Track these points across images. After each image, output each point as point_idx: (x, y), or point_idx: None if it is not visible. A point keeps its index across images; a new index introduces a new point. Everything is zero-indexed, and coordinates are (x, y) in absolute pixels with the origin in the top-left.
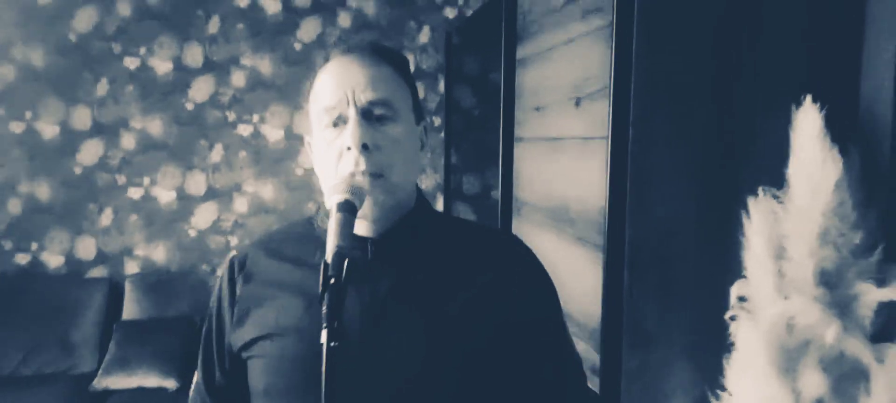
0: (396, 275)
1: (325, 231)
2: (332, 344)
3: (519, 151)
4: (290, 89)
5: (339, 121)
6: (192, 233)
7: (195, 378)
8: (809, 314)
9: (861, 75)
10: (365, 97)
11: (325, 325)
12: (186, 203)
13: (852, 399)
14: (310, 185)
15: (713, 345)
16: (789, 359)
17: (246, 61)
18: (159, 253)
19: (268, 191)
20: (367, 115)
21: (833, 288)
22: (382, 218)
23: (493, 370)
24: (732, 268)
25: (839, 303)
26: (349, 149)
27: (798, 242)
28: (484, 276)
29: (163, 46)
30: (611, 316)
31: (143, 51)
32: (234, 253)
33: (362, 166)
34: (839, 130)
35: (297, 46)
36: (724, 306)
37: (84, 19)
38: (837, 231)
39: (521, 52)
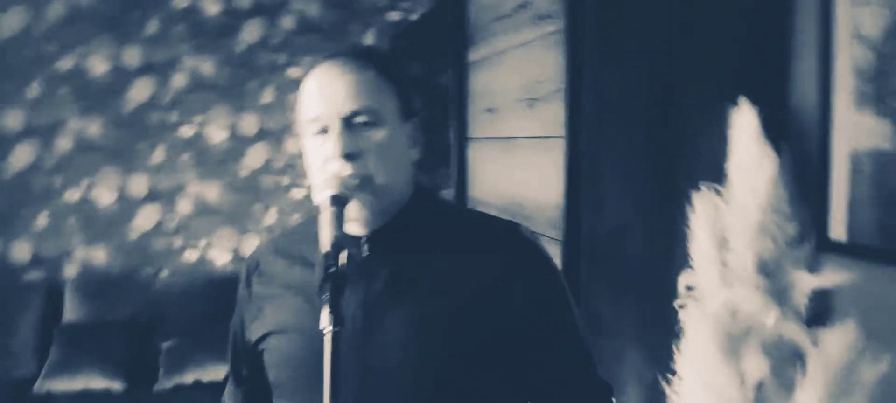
0: (392, 270)
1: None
2: (336, 330)
3: (471, 152)
4: (232, 91)
5: (324, 131)
6: (134, 236)
7: (226, 372)
8: (751, 301)
9: (790, 79)
10: (347, 107)
11: (327, 312)
12: (127, 205)
13: (790, 379)
14: (255, 186)
15: (663, 333)
16: (734, 344)
17: (188, 62)
18: (100, 256)
19: (212, 192)
20: (350, 124)
21: (771, 276)
22: (373, 219)
23: (495, 361)
24: (680, 260)
25: (777, 291)
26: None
27: (739, 234)
28: (484, 267)
29: (101, 47)
30: None
31: (80, 50)
32: (249, 256)
33: (348, 172)
34: (772, 130)
35: (240, 48)
36: (673, 295)
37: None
38: (774, 223)
39: (471, 56)
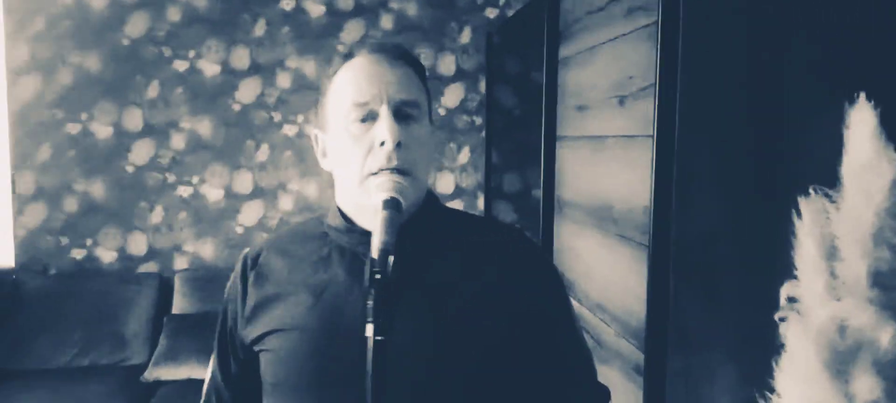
0: (404, 269)
1: (335, 228)
2: (379, 339)
3: (560, 150)
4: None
5: (369, 117)
6: (239, 231)
7: (210, 367)
8: (862, 316)
9: None
10: (398, 96)
11: (370, 320)
12: (233, 201)
13: None
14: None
15: (761, 347)
16: (841, 362)
17: (291, 63)
18: (207, 250)
19: (312, 189)
20: (398, 114)
21: (887, 289)
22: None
23: (501, 362)
24: (781, 269)
25: (893, 306)
26: (382, 144)
27: (851, 243)
28: (491, 269)
29: (211, 50)
30: (656, 316)
31: (191, 54)
32: (247, 250)
33: (394, 162)
34: (893, 128)
35: (341, 48)
36: (773, 307)
37: (138, 24)
38: (892, 231)
39: (563, 52)
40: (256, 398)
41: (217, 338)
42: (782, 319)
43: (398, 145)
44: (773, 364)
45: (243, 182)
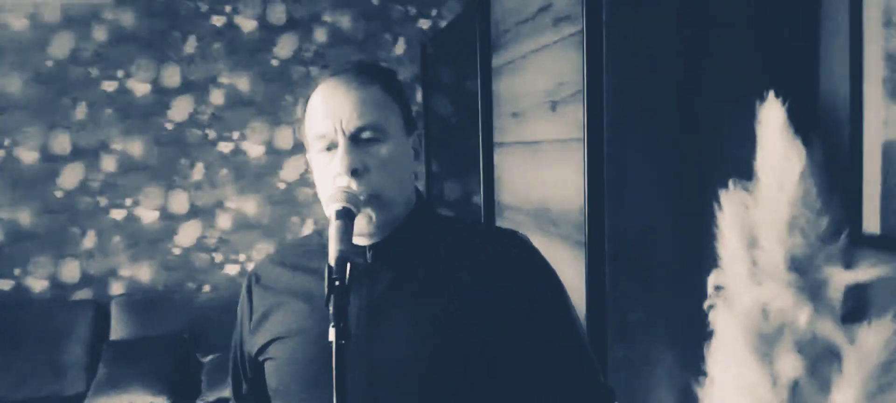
0: (394, 276)
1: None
2: (341, 342)
3: (498, 157)
4: (269, 105)
5: (332, 146)
6: (177, 252)
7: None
8: (783, 299)
9: (819, 70)
10: (352, 124)
11: (332, 324)
12: (170, 222)
13: (826, 379)
14: (293, 199)
15: (694, 334)
16: (766, 344)
17: (224, 79)
18: (144, 273)
19: (250, 206)
20: (356, 140)
21: (803, 273)
22: (379, 231)
23: (500, 365)
24: (708, 259)
25: (810, 288)
26: (339, 174)
27: (768, 231)
28: (484, 270)
29: (141, 68)
30: (595, 309)
31: (120, 73)
32: (252, 267)
33: (354, 187)
34: (801, 123)
35: (275, 62)
36: (703, 296)
37: (63, 45)
38: (805, 218)
39: (496, 61)
40: None
41: (231, 360)
42: (711, 307)
43: (354, 172)
44: (705, 350)
45: (179, 202)
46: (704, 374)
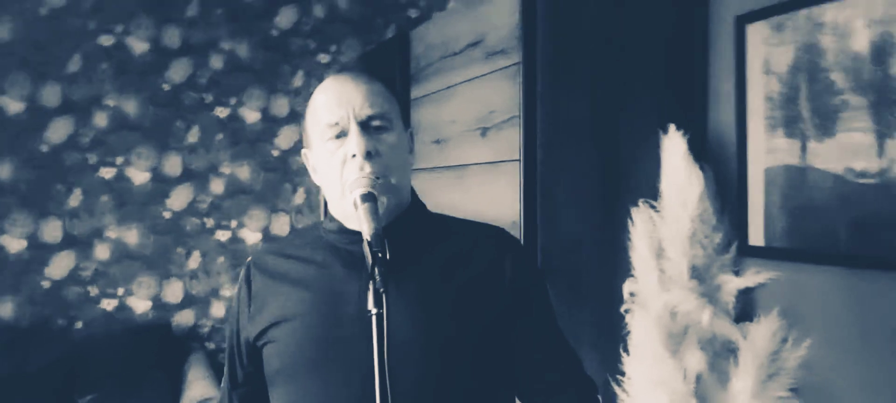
0: (392, 263)
1: (329, 231)
2: (381, 312)
3: (417, 183)
4: (157, 130)
5: (342, 134)
6: (46, 285)
7: (224, 377)
8: (687, 302)
9: (709, 107)
10: (364, 112)
11: (381, 288)
12: (39, 252)
13: (725, 371)
14: (178, 229)
15: (612, 337)
16: (675, 342)
17: (109, 101)
18: (6, 309)
19: (132, 236)
20: (366, 127)
21: (702, 280)
22: (384, 216)
23: (487, 353)
24: (623, 269)
25: (708, 293)
26: (353, 156)
27: (673, 244)
28: (476, 257)
29: (14, 85)
30: None
31: None
32: (250, 258)
33: (367, 170)
34: (698, 152)
35: (166, 87)
36: (620, 301)
37: None
38: (703, 233)
39: (415, 92)
40: (263, 401)
41: (227, 350)
42: (627, 311)
43: (368, 155)
44: (622, 350)
45: (52, 229)
46: (622, 373)
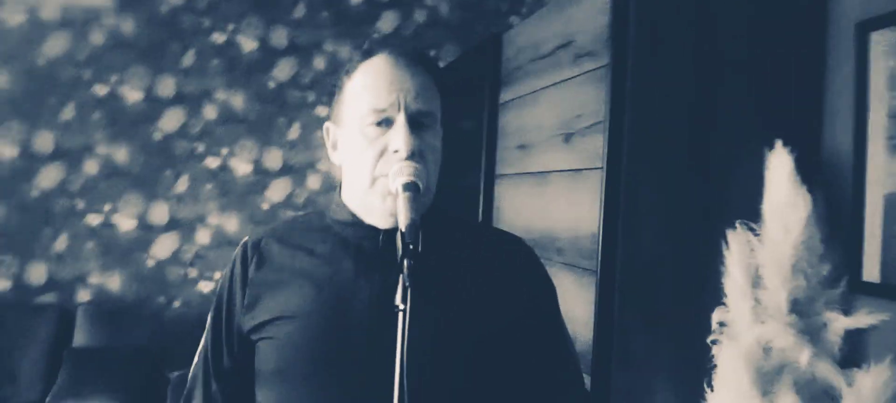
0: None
1: (339, 221)
2: (404, 308)
3: (499, 188)
4: (259, 125)
5: (385, 123)
6: (151, 264)
7: (195, 360)
8: (784, 339)
9: (823, 123)
10: (415, 106)
11: (408, 284)
12: (147, 232)
13: None
14: (275, 220)
15: (695, 368)
16: (766, 381)
17: (219, 95)
18: (114, 283)
19: (232, 224)
20: (414, 123)
21: (804, 315)
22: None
23: (494, 362)
24: (713, 295)
25: (810, 330)
26: (396, 151)
27: (772, 272)
28: (490, 271)
29: (134, 76)
30: (602, 338)
31: (113, 79)
32: (246, 238)
33: (408, 170)
34: (806, 172)
35: (271, 84)
36: (706, 330)
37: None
38: (807, 263)
39: (503, 97)
40: (246, 392)
41: (210, 330)
42: (714, 341)
43: (412, 155)
44: (706, 384)
45: (159, 213)
46: None
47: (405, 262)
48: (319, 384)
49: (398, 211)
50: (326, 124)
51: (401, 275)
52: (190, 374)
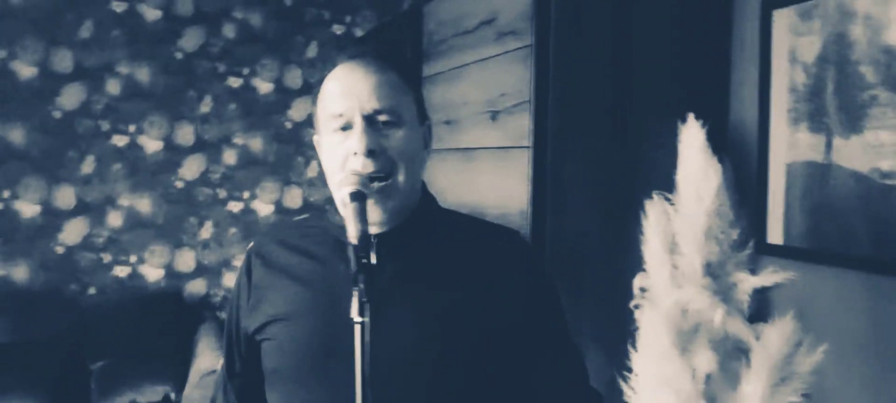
0: (397, 267)
1: (335, 224)
2: (365, 321)
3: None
4: (168, 99)
5: (347, 127)
6: (60, 250)
7: (220, 362)
8: (700, 300)
9: (730, 96)
10: (370, 106)
11: (364, 300)
12: (53, 218)
13: (736, 372)
14: (191, 198)
15: (620, 332)
16: (685, 340)
17: (122, 69)
18: (20, 272)
19: (144, 204)
20: (372, 122)
21: (716, 277)
22: (388, 219)
23: (492, 358)
24: (634, 263)
25: (722, 291)
26: (356, 154)
27: (688, 239)
28: (485, 265)
29: (28, 50)
30: None
31: (3, 54)
32: (251, 244)
33: (369, 169)
34: (716, 144)
35: (179, 55)
36: (629, 296)
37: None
38: (719, 229)
39: (427, 70)
40: (259, 394)
41: (224, 336)
42: (637, 306)
43: (371, 153)
44: (630, 346)
45: (65, 197)
46: (629, 369)
47: (360, 278)
48: (315, 383)
49: (347, 222)
50: (315, 136)
51: (356, 290)
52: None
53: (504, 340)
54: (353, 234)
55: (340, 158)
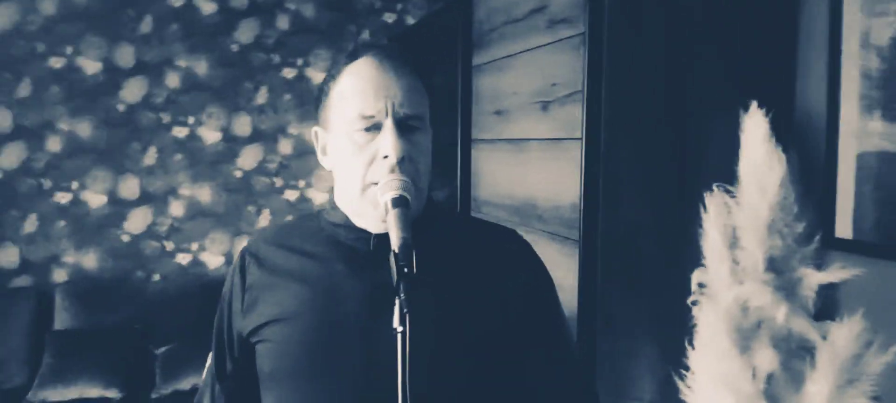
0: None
1: (332, 223)
2: (402, 330)
3: (476, 153)
4: (226, 91)
5: (374, 128)
6: (126, 239)
7: (207, 364)
8: (761, 297)
9: (799, 84)
10: (403, 110)
11: (405, 310)
12: (118, 207)
13: (799, 372)
14: (249, 188)
15: (676, 329)
16: (745, 338)
17: (181, 62)
18: (90, 261)
19: (205, 194)
20: (402, 126)
21: (780, 273)
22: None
23: (495, 360)
24: (692, 258)
25: (785, 287)
26: (385, 157)
27: (749, 233)
28: (486, 264)
29: (91, 46)
30: (586, 305)
31: (69, 50)
32: (245, 245)
33: (398, 175)
34: (781, 133)
35: (235, 47)
36: (686, 292)
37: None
38: (782, 222)
39: (476, 59)
40: (250, 397)
41: (214, 336)
42: (694, 303)
43: (401, 160)
44: (687, 344)
45: (129, 187)
46: (686, 367)
47: (402, 286)
48: (313, 385)
49: (389, 228)
50: (314, 128)
51: (397, 299)
52: (203, 375)
53: (504, 340)
54: (395, 242)
55: (366, 160)
